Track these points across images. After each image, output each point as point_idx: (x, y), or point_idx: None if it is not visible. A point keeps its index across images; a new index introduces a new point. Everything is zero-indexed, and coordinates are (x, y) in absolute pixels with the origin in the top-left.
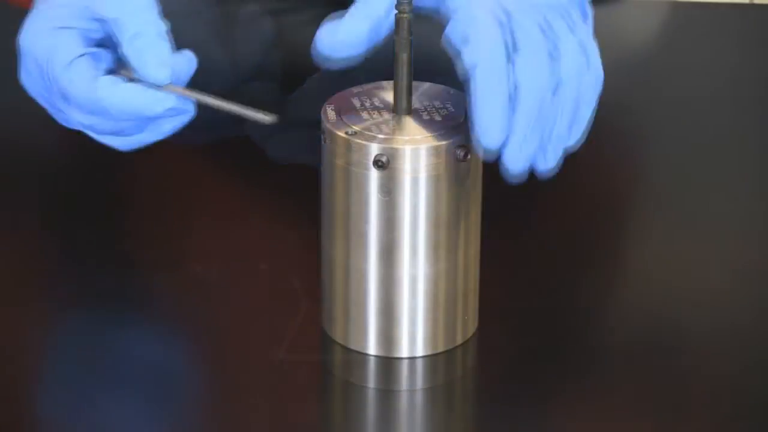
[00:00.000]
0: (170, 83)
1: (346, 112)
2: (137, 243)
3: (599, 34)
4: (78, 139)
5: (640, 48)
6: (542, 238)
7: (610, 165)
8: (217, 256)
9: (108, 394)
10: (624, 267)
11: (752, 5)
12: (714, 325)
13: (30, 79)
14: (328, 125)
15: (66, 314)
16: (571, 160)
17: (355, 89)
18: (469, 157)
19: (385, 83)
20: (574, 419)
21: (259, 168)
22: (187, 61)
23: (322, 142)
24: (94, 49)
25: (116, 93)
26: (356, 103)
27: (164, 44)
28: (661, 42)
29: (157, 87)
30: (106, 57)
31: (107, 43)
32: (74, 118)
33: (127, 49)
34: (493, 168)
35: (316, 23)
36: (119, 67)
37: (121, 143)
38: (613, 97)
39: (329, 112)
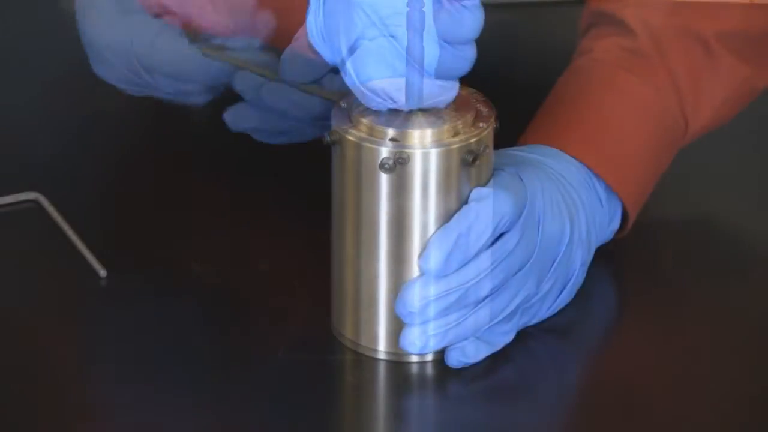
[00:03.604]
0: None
1: (356, 112)
2: (136, 243)
3: None
4: (77, 140)
5: None
6: None
7: None
8: (217, 256)
9: (106, 394)
10: (633, 262)
11: (752, 5)
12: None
13: (106, 68)
14: (338, 126)
15: (64, 314)
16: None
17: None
18: (477, 162)
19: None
20: (587, 416)
21: (259, 168)
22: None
23: (332, 143)
24: (166, 21)
25: (201, 66)
26: (365, 103)
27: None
28: None
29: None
30: (175, 24)
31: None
32: (162, 88)
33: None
34: None
35: None
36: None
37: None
38: None
39: (339, 113)
